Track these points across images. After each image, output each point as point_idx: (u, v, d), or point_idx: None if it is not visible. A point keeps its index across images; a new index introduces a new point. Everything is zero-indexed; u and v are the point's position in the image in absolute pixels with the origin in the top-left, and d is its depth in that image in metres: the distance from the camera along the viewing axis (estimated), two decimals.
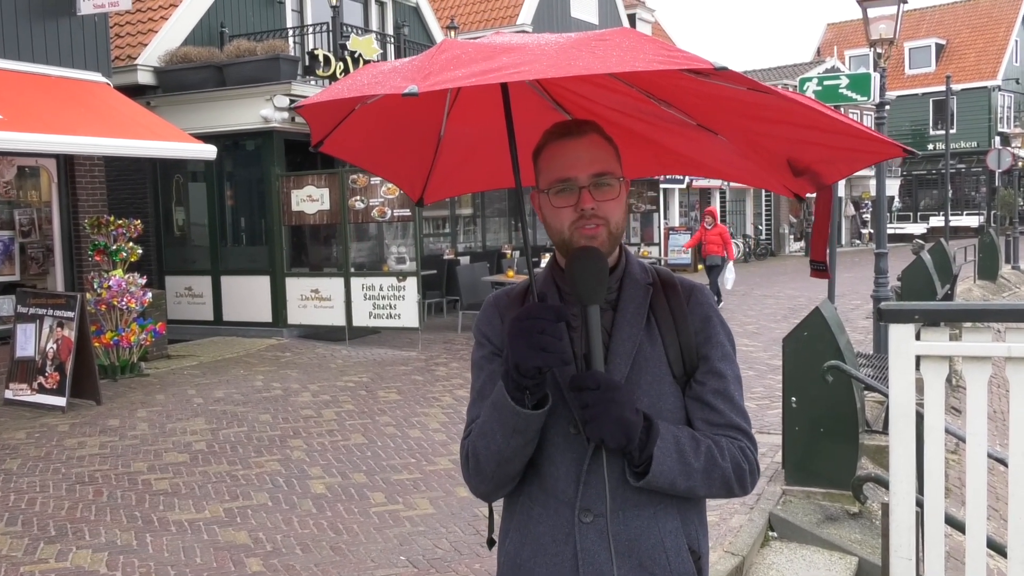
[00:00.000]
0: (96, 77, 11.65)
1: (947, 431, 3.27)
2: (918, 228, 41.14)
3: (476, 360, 1.92)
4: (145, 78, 13.58)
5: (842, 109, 11.56)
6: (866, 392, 6.75)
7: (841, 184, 37.17)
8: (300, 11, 15.95)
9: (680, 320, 1.84)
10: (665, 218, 26.81)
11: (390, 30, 17.24)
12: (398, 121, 2.06)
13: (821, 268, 2.07)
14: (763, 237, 33.95)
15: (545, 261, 2.08)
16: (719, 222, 16.89)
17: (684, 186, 29.65)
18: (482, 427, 1.76)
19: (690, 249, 25.53)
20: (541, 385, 1.67)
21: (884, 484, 4.87)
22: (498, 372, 1.79)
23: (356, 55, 13.91)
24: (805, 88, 9.37)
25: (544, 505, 1.81)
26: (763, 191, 33.08)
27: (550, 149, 1.82)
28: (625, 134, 2.02)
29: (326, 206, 12.75)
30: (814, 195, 2.04)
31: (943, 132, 35.02)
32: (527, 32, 2.26)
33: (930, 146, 43.93)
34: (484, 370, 1.88)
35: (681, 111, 1.96)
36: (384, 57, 15.66)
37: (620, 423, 1.64)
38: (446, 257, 16.70)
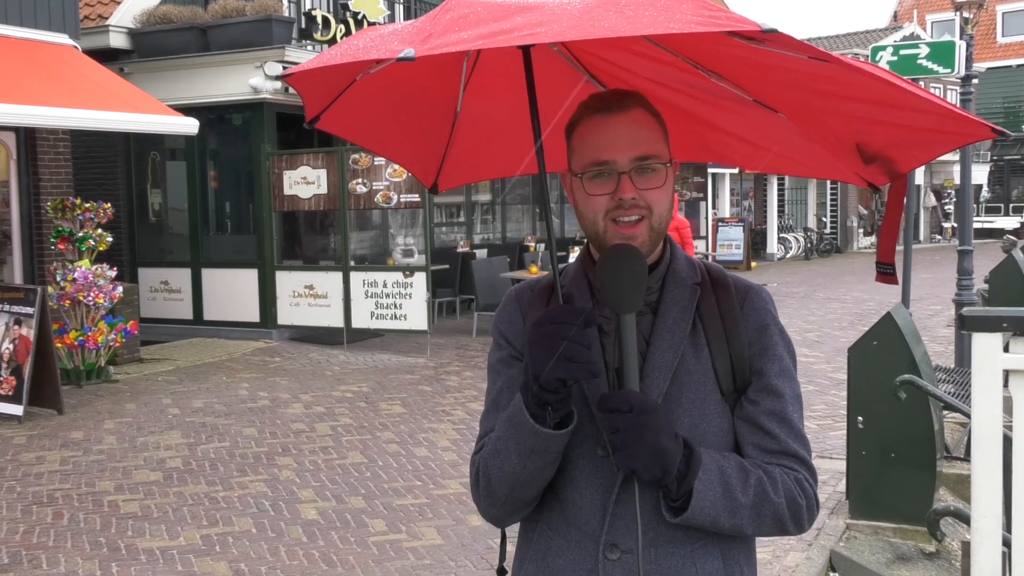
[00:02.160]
0: (62, 39, 11.73)
1: None
2: (1010, 222, 40.74)
3: (493, 363, 1.91)
4: (118, 41, 13.67)
5: (921, 83, 11.46)
6: (945, 412, 6.70)
7: (919, 170, 36.97)
8: None
9: (731, 327, 1.82)
10: (714, 208, 26.74)
11: None
12: (407, 95, 2.05)
13: (889, 271, 2.03)
14: (827, 231, 33.78)
15: (575, 256, 2.05)
16: (679, 213, 15.05)
17: (736, 170, 29.56)
18: (496, 444, 1.75)
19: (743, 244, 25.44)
20: (565, 400, 1.65)
21: (965, 519, 4.82)
22: (517, 380, 1.77)
23: (360, 16, 13.96)
24: (878, 58, 9.30)
25: (565, 536, 1.80)
26: None
27: (586, 125, 1.79)
28: (669, 111, 1.99)
29: (323, 190, 12.80)
30: (887, 186, 2.00)
31: None
32: None
33: None
34: (501, 375, 1.87)
35: (734, 84, 1.91)
36: (392, 19, 15.70)
37: (655, 452, 1.62)
38: (460, 250, 16.73)
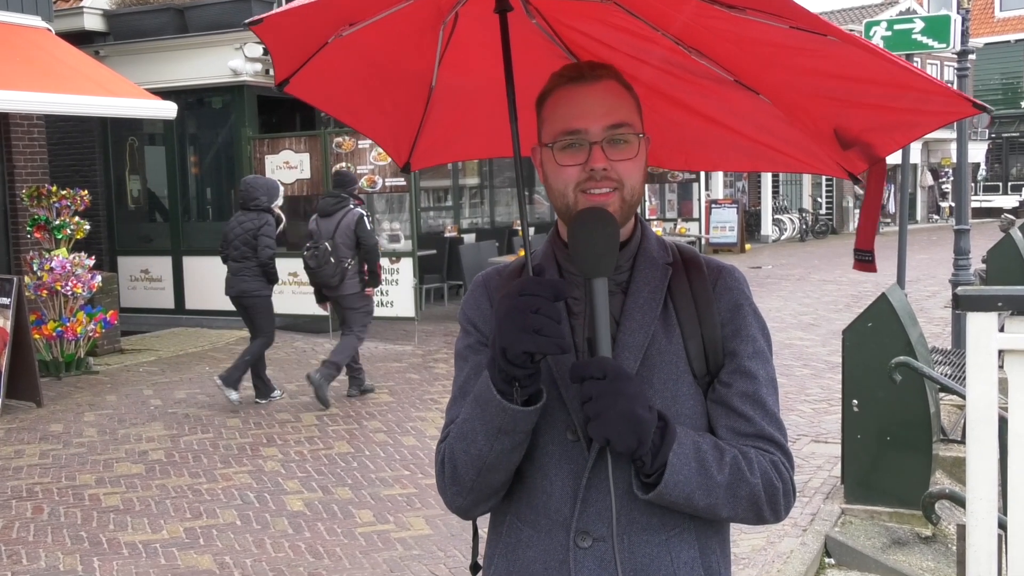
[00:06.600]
0: (35, 21, 11.65)
1: None
2: (1008, 201, 40.83)
3: (460, 350, 1.90)
4: (93, 23, 13.60)
5: (915, 60, 11.47)
6: (942, 394, 6.73)
7: (916, 147, 37.03)
8: None
9: (704, 308, 1.81)
10: (707, 189, 26.72)
11: None
12: (381, 63, 2.02)
13: (868, 259, 2.03)
14: (823, 212, 33.83)
15: None
16: None
17: None
18: (462, 427, 1.74)
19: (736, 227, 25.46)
20: (534, 377, 1.64)
21: (960, 502, 4.86)
22: (484, 364, 1.75)
23: None
24: (872, 33, 9.30)
25: (534, 526, 1.79)
26: None
27: (557, 95, 1.78)
28: (648, 92, 1.96)
29: (306, 174, 12.76)
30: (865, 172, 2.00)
31: None
32: None
33: None
34: (469, 362, 1.86)
35: (715, 62, 1.91)
36: None
37: (630, 420, 1.60)
38: (447, 235, 16.71)
